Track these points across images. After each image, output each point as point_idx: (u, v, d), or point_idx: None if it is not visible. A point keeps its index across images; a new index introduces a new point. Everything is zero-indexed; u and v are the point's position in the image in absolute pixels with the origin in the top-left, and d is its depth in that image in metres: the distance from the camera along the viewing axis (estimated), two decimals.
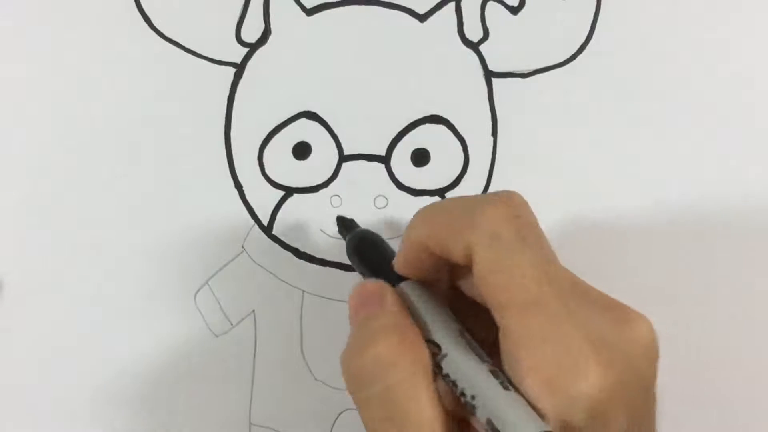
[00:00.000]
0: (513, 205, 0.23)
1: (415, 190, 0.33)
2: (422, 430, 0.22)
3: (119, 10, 0.31)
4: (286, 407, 0.33)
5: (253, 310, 0.33)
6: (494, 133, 0.33)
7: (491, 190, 0.33)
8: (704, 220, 0.34)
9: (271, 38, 0.32)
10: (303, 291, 0.33)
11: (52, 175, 0.31)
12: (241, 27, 0.31)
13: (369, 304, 0.25)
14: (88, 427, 0.32)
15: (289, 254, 0.33)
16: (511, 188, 0.32)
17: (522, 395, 0.21)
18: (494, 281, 0.22)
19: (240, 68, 0.32)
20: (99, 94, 0.31)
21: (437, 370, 0.23)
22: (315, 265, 0.33)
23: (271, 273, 0.33)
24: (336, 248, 0.33)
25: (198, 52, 0.31)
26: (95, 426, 0.33)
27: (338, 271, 0.33)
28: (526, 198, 0.24)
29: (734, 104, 0.34)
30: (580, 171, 0.33)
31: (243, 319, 0.33)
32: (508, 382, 0.22)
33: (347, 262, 0.33)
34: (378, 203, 0.33)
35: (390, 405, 0.22)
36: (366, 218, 0.33)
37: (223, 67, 0.32)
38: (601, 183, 0.33)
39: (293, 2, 0.32)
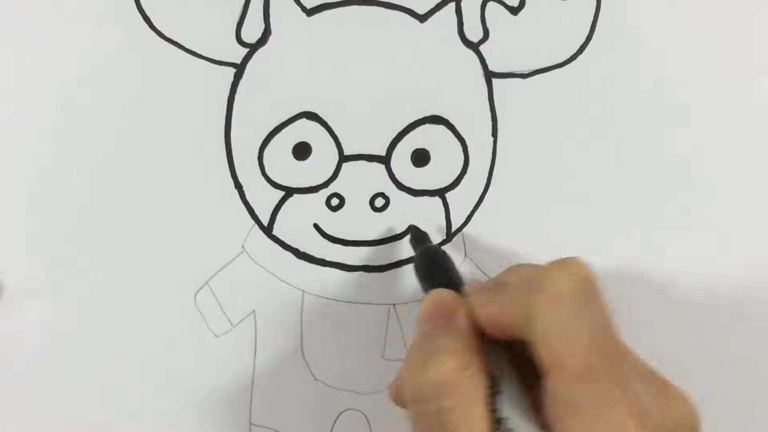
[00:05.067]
0: (574, 272, 0.23)
1: (415, 190, 0.33)
2: None
3: (119, 10, 0.31)
4: (286, 407, 0.33)
5: (253, 310, 0.33)
6: (494, 133, 0.33)
7: (491, 190, 0.33)
8: (704, 216, 0.34)
9: (271, 38, 0.32)
10: (303, 291, 0.33)
11: (51, 175, 0.31)
12: (241, 27, 0.31)
13: (441, 316, 0.25)
14: (88, 427, 0.32)
15: (289, 254, 0.33)
16: (511, 188, 0.33)
17: None
18: (549, 346, 0.22)
19: (240, 68, 0.32)
20: (99, 94, 0.31)
21: (488, 400, 0.23)
22: (315, 265, 0.33)
23: (271, 273, 0.33)
24: (336, 248, 0.33)
25: (198, 52, 0.31)
26: (95, 426, 0.33)
27: (338, 271, 0.33)
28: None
29: (734, 104, 0.34)
30: (580, 171, 0.33)
31: (243, 319, 0.33)
32: None
33: (347, 262, 0.33)
34: (378, 203, 0.33)
35: (441, 425, 0.23)
36: (366, 218, 0.33)
37: (223, 67, 0.32)
38: (601, 183, 0.33)
39: (293, 2, 0.31)
